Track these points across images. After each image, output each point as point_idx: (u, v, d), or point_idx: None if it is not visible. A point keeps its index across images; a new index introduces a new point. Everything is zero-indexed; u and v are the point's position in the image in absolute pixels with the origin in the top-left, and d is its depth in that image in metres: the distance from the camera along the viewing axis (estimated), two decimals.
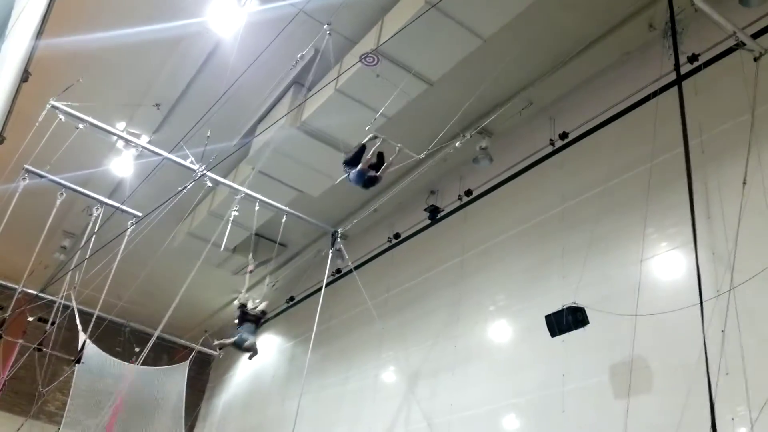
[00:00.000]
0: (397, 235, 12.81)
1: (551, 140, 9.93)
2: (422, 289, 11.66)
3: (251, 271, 10.62)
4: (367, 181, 8.14)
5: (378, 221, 13.25)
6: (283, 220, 11.37)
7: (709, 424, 5.62)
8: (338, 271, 13.81)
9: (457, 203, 11.52)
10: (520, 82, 9.95)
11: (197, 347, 15.54)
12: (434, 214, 11.90)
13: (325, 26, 8.71)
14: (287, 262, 15.45)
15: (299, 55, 9.65)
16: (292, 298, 15.97)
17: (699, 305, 6.23)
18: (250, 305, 9.67)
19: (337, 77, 9.47)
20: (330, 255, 11.51)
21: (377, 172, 8.10)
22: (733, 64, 7.62)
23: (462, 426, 9.40)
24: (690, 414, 6.30)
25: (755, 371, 6.05)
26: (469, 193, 11.31)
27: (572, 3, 8.82)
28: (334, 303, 13.03)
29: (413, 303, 11.73)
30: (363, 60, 8.83)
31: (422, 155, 8.72)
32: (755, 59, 7.34)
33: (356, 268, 12.16)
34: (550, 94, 10.09)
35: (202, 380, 19.46)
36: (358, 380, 12.43)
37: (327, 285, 11.34)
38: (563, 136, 9.77)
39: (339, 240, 11.55)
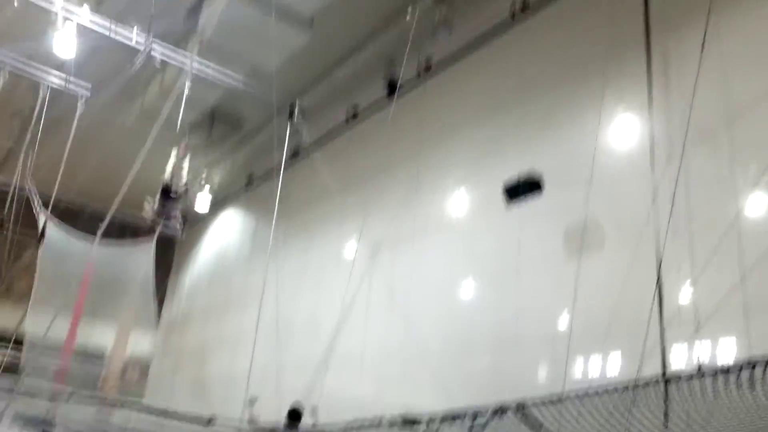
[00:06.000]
0: (356, 107, 12.66)
1: (512, 11, 9.71)
2: (383, 163, 11.71)
3: None
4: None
5: (336, 96, 13.04)
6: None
7: (654, 280, 5.91)
8: (297, 149, 13.75)
9: (416, 77, 11.36)
10: None
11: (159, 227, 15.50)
12: (393, 88, 11.74)
13: None
14: (243, 141, 15.28)
15: None
16: (250, 177, 15.95)
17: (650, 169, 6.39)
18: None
19: None
20: (288, 130, 11.38)
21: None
22: None
23: (421, 293, 9.75)
24: (637, 272, 6.62)
25: (700, 232, 6.33)
26: (428, 67, 11.14)
27: None
28: (294, 180, 13.05)
29: (374, 177, 11.79)
30: None
31: None
32: None
33: (315, 143, 12.09)
34: None
35: (167, 259, 19.62)
36: (320, 251, 12.68)
37: (286, 162, 11.28)
38: (524, 5, 9.56)
39: (297, 113, 11.37)
